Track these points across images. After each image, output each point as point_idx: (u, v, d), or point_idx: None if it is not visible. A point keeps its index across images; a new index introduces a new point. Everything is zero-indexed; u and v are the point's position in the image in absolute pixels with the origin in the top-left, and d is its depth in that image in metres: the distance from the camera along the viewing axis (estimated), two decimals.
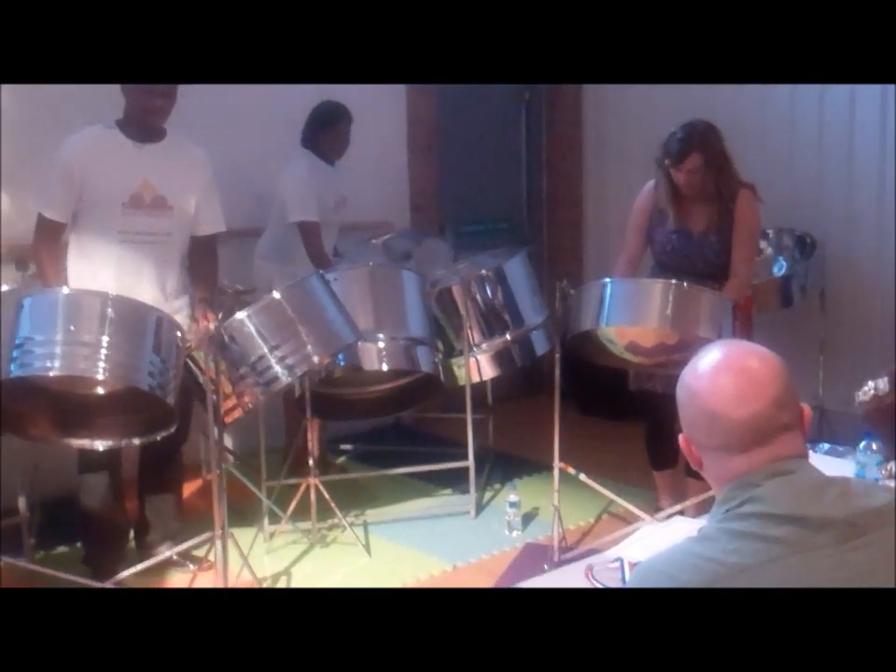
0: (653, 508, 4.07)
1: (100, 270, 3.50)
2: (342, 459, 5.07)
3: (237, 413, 3.49)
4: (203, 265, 3.72)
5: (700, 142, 3.69)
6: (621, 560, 2.12)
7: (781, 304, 4.79)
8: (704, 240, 3.84)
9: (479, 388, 4.66)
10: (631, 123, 5.62)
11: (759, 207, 3.91)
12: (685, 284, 3.51)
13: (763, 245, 5.11)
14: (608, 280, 3.63)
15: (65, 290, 3.31)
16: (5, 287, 3.98)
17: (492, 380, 4.67)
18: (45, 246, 3.50)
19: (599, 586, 2.05)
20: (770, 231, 5.10)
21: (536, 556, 3.85)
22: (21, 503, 3.79)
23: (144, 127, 3.50)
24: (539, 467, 4.63)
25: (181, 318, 3.52)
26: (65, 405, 3.36)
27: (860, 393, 2.21)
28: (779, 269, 5.07)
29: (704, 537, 1.44)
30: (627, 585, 1.53)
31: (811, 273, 4.87)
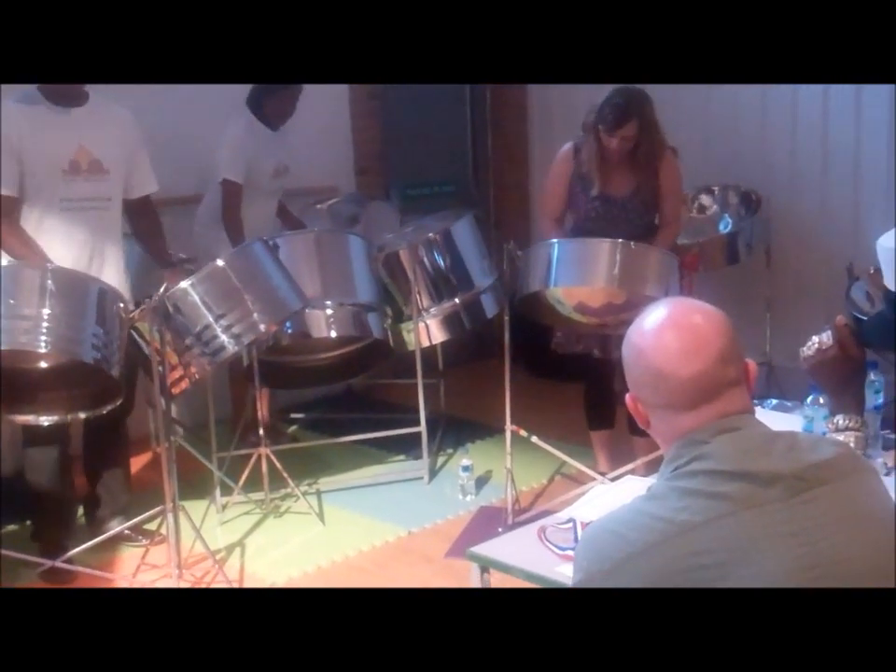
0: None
1: (46, 240, 3.41)
2: (293, 428, 5.04)
3: (184, 385, 3.44)
4: (150, 231, 3.70)
5: (637, 110, 3.68)
6: (573, 521, 2.12)
7: (727, 261, 4.81)
8: (628, 203, 3.84)
9: (429, 353, 4.64)
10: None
11: (680, 167, 3.93)
12: (632, 243, 3.51)
13: (707, 201, 5.14)
14: (555, 241, 3.63)
15: (2, 263, 3.23)
16: None
17: (442, 344, 4.65)
18: (2, 222, 3.39)
19: (552, 547, 2.05)
20: (715, 189, 5.13)
21: (490, 519, 3.86)
22: None
23: (66, 91, 3.42)
24: (492, 430, 4.64)
25: (123, 288, 3.47)
26: (8, 380, 3.29)
27: (804, 348, 2.22)
28: (725, 226, 5.09)
29: (653, 495, 1.44)
30: (578, 545, 1.52)
31: (756, 230, 4.90)
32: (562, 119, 5.78)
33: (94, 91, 3.50)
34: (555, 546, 2.05)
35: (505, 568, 2.04)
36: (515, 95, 6.00)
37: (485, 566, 2.09)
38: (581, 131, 3.86)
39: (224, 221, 4.25)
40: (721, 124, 5.07)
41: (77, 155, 3.43)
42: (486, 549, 2.11)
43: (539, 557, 2.04)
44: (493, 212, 6.16)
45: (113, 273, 3.54)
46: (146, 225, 3.69)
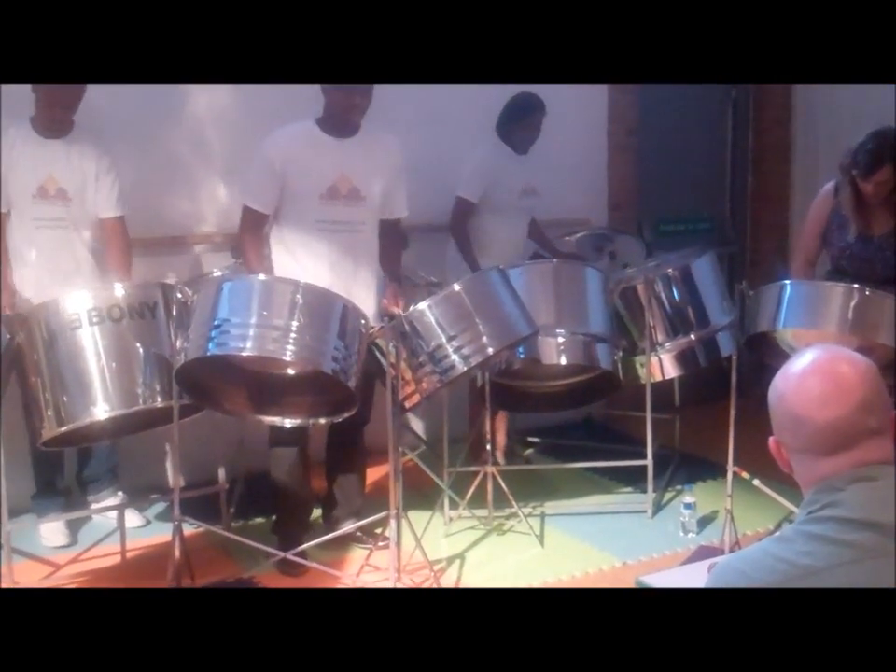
0: None
1: (300, 258, 3.73)
2: (528, 451, 5.16)
3: (416, 399, 3.61)
4: (389, 246, 3.93)
5: (891, 154, 3.63)
6: None
7: None
8: (885, 243, 3.76)
9: (667, 388, 4.64)
10: (843, 122, 5.41)
11: None
12: (867, 289, 3.40)
13: None
14: (787, 282, 3.58)
15: (261, 277, 3.55)
16: (218, 273, 4.33)
17: (684, 381, 4.63)
18: (249, 235, 3.78)
19: None
20: None
21: (707, 559, 3.80)
22: (221, 474, 4.09)
23: (342, 124, 3.72)
24: (723, 470, 4.54)
25: (368, 307, 3.71)
26: (258, 383, 3.62)
27: None
28: None
29: (782, 537, 1.46)
30: (707, 578, 1.56)
31: None
32: (827, 159, 5.60)
33: (367, 120, 3.75)
34: None
35: None
36: (779, 133, 5.88)
37: None
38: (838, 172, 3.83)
39: (451, 233, 4.56)
40: None
41: (337, 181, 3.70)
42: (655, 579, 2.15)
43: None
44: (749, 251, 6.05)
45: (363, 291, 3.79)
46: (387, 243, 3.92)
